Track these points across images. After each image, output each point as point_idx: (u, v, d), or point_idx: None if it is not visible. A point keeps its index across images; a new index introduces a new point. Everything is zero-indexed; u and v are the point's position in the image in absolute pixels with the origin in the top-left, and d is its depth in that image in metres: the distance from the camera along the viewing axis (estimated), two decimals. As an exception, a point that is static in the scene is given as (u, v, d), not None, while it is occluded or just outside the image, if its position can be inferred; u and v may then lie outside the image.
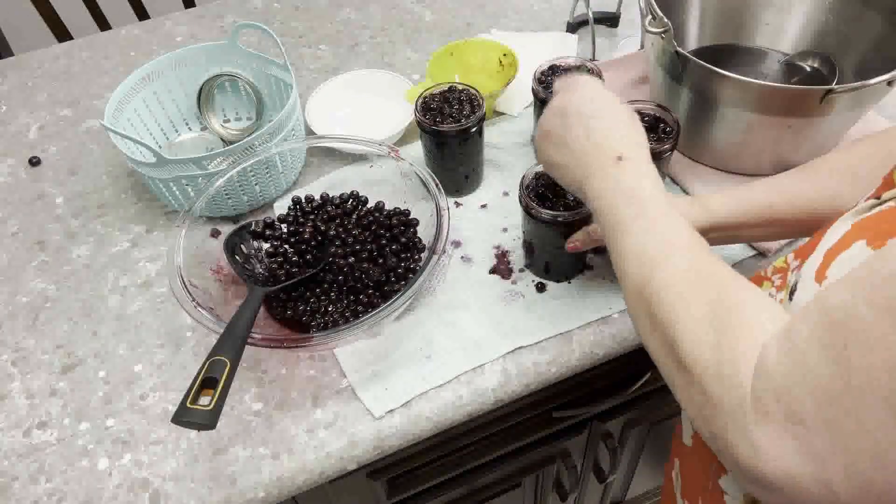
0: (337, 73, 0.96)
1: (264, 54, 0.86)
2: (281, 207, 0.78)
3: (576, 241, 0.64)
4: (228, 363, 0.52)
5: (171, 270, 0.62)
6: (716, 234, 0.59)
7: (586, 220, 0.64)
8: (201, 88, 0.87)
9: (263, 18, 1.10)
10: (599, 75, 0.77)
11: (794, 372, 0.33)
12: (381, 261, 0.69)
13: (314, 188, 0.80)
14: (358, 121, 0.90)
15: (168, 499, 0.58)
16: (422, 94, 0.76)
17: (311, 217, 0.73)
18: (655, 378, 0.84)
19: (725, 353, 0.36)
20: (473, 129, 0.73)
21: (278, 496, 0.60)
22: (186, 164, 0.72)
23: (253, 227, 0.72)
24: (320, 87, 0.91)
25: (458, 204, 0.80)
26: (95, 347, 0.69)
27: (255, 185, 0.75)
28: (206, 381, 0.51)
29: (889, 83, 0.63)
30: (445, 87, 0.77)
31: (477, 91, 0.77)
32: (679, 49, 0.69)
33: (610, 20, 1.03)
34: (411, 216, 0.72)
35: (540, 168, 0.67)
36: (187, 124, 0.90)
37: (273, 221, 0.73)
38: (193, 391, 0.50)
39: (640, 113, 0.72)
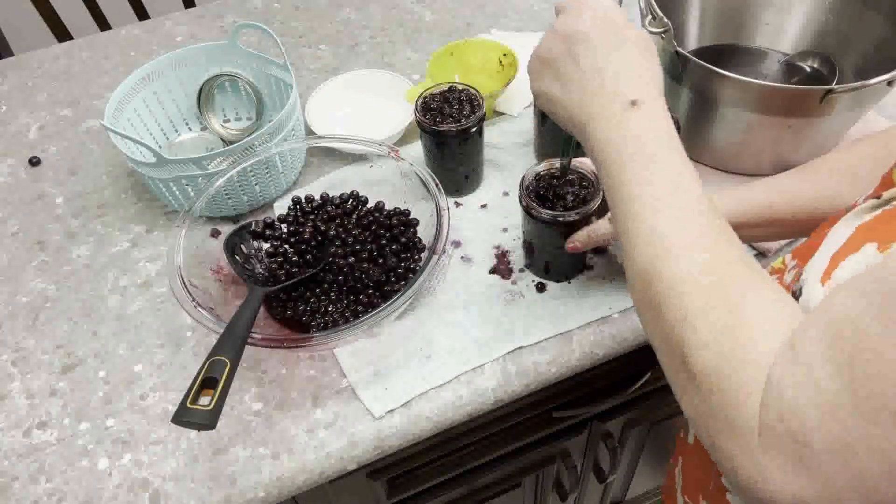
0: (337, 73, 0.96)
1: (264, 54, 0.86)
2: (281, 207, 0.78)
3: (576, 242, 0.64)
4: (228, 363, 0.52)
5: (171, 270, 0.62)
6: None
7: (586, 220, 0.64)
8: (201, 88, 0.87)
9: (263, 18, 1.10)
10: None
11: (800, 387, 0.31)
12: (381, 261, 0.69)
13: (314, 188, 0.80)
14: (358, 121, 0.90)
15: (168, 499, 0.58)
16: (422, 94, 0.76)
17: (311, 217, 0.73)
18: (655, 378, 0.84)
19: (734, 370, 0.34)
20: (473, 129, 0.73)
21: (278, 496, 0.60)
22: (186, 164, 0.72)
23: (253, 227, 0.72)
24: (320, 87, 0.91)
25: (458, 204, 0.80)
26: (95, 347, 0.69)
27: (255, 185, 0.75)
28: (206, 381, 0.51)
29: (889, 83, 0.63)
30: (445, 87, 0.77)
31: (477, 91, 0.77)
32: (679, 49, 0.69)
33: (610, 20, 1.03)
34: (411, 216, 0.72)
35: (540, 168, 0.67)
36: (187, 124, 0.90)
37: (273, 221, 0.73)
38: (193, 391, 0.50)
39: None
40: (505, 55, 0.90)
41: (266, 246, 0.72)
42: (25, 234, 0.80)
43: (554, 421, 0.83)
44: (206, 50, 0.86)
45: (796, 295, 0.41)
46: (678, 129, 0.68)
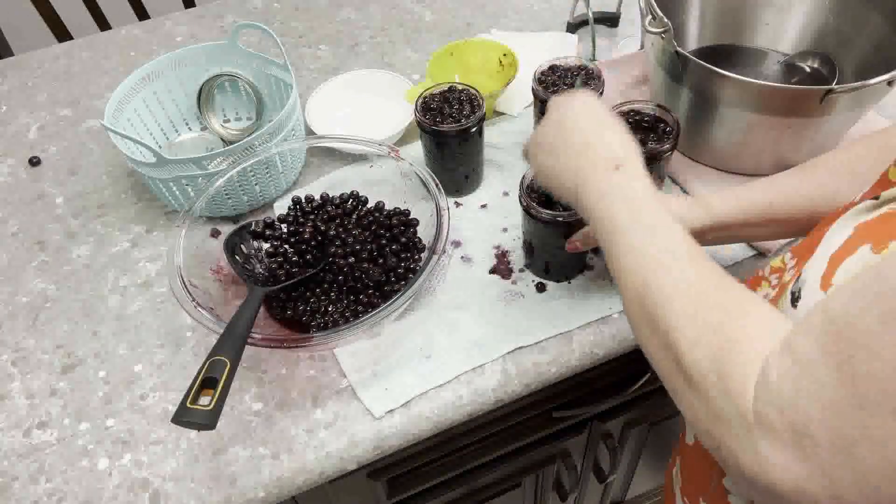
0: (337, 73, 0.96)
1: (264, 54, 0.86)
2: (281, 207, 0.78)
3: (576, 241, 0.64)
4: (228, 363, 0.52)
5: (171, 270, 0.62)
6: (716, 234, 0.59)
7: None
8: (201, 88, 0.87)
9: (263, 18, 1.10)
10: (599, 76, 0.77)
11: (799, 383, 0.32)
12: (381, 261, 0.69)
13: (314, 188, 0.80)
14: (358, 121, 0.90)
15: (168, 499, 0.58)
16: (422, 94, 0.76)
17: (311, 217, 0.73)
18: (655, 378, 0.83)
19: (727, 366, 0.36)
20: (473, 129, 0.73)
21: (278, 496, 0.60)
22: (186, 164, 0.72)
23: (253, 227, 0.72)
24: (320, 87, 0.91)
25: (458, 204, 0.80)
26: (95, 347, 0.69)
27: (255, 185, 0.75)
28: (206, 381, 0.51)
29: (889, 83, 0.63)
30: (445, 87, 0.77)
31: (477, 91, 0.77)
32: (679, 49, 0.69)
33: (610, 20, 1.03)
34: (411, 216, 0.72)
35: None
36: (187, 124, 0.90)
37: (273, 221, 0.73)
38: (193, 391, 0.50)
39: (639, 113, 0.72)
40: (505, 55, 0.90)
41: (266, 246, 0.72)
42: (25, 234, 0.80)
43: (554, 421, 0.83)
44: (206, 50, 0.86)
45: (796, 295, 0.41)
46: (678, 129, 0.69)
